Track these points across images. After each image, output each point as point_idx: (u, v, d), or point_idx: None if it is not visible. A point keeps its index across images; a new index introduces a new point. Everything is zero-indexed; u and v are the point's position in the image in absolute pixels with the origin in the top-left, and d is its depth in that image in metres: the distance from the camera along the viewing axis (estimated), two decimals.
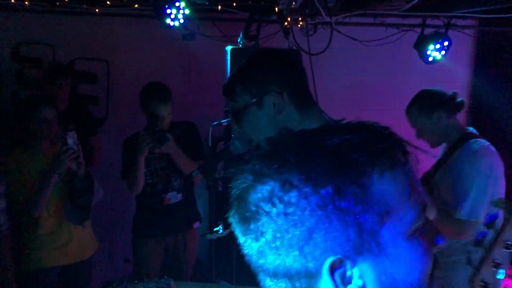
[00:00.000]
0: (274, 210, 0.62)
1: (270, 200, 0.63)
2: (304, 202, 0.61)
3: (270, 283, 0.66)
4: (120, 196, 4.18)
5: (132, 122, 4.04)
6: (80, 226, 2.88)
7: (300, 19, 3.33)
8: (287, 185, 0.62)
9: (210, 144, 2.90)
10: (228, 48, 3.15)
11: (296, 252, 0.62)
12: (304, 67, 1.46)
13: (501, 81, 3.98)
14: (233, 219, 0.70)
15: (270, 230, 0.63)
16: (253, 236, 0.66)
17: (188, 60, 4.11)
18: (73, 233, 2.87)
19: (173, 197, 3.16)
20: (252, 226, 0.65)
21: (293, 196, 0.61)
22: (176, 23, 3.32)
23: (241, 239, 0.69)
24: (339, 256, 0.61)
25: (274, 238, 0.63)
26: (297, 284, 0.63)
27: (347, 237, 0.61)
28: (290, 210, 0.61)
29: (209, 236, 2.37)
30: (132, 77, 4.03)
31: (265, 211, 0.63)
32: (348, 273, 0.61)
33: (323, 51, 3.26)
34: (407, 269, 0.63)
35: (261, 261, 0.66)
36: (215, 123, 2.86)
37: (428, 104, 2.51)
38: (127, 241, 3.42)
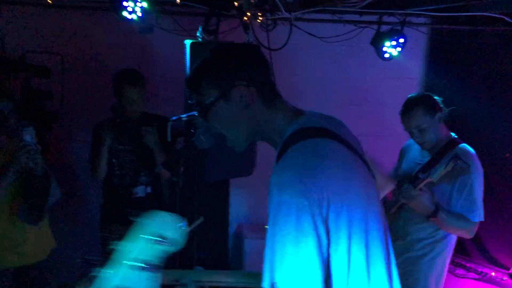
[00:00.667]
0: None
1: None
2: None
3: None
4: (80, 194, 4.09)
5: (89, 117, 3.95)
6: (35, 226, 2.78)
7: (259, 14, 3.34)
8: None
9: (169, 139, 2.86)
10: (188, 42, 3.12)
11: None
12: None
13: (453, 78, 4.12)
14: None
15: None
16: None
17: (145, 54, 4.04)
18: (27, 234, 2.76)
19: (141, 191, 3.21)
20: None
21: None
22: (133, 16, 3.26)
23: None
24: None
25: None
26: None
27: None
28: None
29: None
30: (87, 71, 3.93)
31: None
32: None
33: (282, 47, 3.28)
34: None
35: None
36: (174, 118, 2.82)
37: (432, 104, 2.58)
38: (88, 241, 3.35)
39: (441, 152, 2.58)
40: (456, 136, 2.66)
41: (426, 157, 2.67)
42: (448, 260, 2.69)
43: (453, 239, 2.65)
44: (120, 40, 3.92)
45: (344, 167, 1.26)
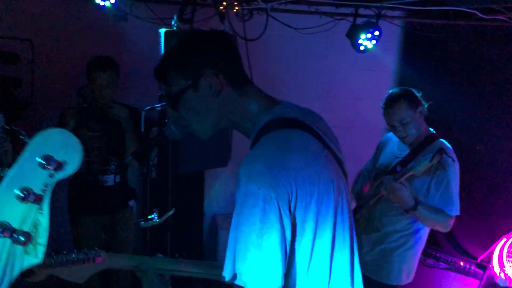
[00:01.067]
0: None
1: None
2: None
3: None
4: None
5: (60, 105, 3.86)
6: None
7: (235, 4, 3.30)
8: None
9: (143, 130, 2.82)
10: (162, 31, 3.07)
11: None
12: (238, 49, 1.45)
13: (427, 71, 4.18)
14: None
15: None
16: None
17: (119, 42, 3.96)
18: None
19: (110, 179, 3.18)
20: None
21: None
22: (107, 3, 3.19)
23: None
24: None
25: None
26: None
27: None
28: None
29: (143, 224, 2.31)
30: (59, 59, 3.83)
31: None
32: None
33: (258, 37, 3.26)
34: None
35: None
36: (148, 107, 2.78)
37: (414, 98, 2.62)
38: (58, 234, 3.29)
39: (420, 146, 2.63)
40: (434, 132, 2.71)
41: (405, 151, 2.71)
42: (420, 253, 2.75)
43: (426, 232, 2.70)
44: (94, 27, 3.84)
45: (314, 161, 1.26)
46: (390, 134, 2.82)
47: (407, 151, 2.70)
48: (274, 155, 1.21)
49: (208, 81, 1.31)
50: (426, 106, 2.66)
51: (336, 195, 1.27)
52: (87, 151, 3.12)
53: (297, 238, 1.20)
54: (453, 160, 2.47)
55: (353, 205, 2.72)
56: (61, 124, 3.07)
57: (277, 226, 1.15)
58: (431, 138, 2.65)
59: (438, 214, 2.50)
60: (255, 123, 1.33)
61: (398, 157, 2.73)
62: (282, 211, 1.15)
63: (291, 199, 1.17)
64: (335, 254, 1.27)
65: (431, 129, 2.72)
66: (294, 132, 1.29)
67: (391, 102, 2.63)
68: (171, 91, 1.35)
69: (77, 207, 3.23)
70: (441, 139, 2.65)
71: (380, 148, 2.95)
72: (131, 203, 3.35)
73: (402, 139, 2.68)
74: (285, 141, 1.25)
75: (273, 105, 1.36)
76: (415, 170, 2.44)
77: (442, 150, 2.39)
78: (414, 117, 2.60)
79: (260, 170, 1.17)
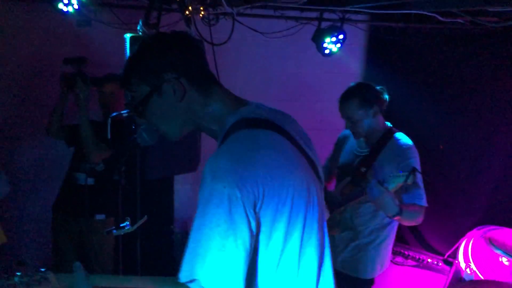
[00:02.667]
0: None
1: None
2: None
3: None
4: (10, 194, 3.91)
5: (23, 115, 3.77)
6: None
7: (201, 8, 3.30)
8: None
9: (109, 136, 2.77)
10: (127, 36, 3.03)
11: None
12: (201, 47, 1.43)
13: (390, 73, 4.27)
14: None
15: None
16: None
17: (83, 48, 3.89)
18: None
19: (81, 178, 3.17)
20: None
21: None
22: (70, 9, 3.13)
23: None
24: None
25: None
26: None
27: None
28: None
29: (115, 233, 2.27)
30: (23, 65, 3.74)
31: None
32: None
33: (225, 42, 3.26)
34: None
35: None
36: (114, 114, 2.74)
37: (369, 97, 2.61)
38: (20, 243, 3.22)
39: (379, 144, 2.65)
40: (391, 125, 2.73)
41: (365, 148, 2.73)
42: (392, 242, 2.79)
43: (396, 225, 2.74)
44: (57, 33, 3.76)
45: (283, 161, 1.22)
46: (348, 130, 2.82)
47: (366, 149, 2.71)
48: (240, 154, 1.18)
49: (171, 86, 1.30)
50: (387, 98, 2.67)
51: (307, 196, 1.25)
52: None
53: (262, 240, 1.17)
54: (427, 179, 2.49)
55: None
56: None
57: (242, 228, 1.11)
58: (389, 134, 2.65)
59: (416, 212, 2.50)
60: (222, 125, 1.31)
61: (359, 155, 2.75)
62: (248, 212, 1.11)
63: (257, 199, 1.13)
64: (303, 256, 1.25)
65: (388, 123, 2.73)
66: (263, 132, 1.26)
67: (344, 98, 2.64)
68: (136, 98, 1.34)
69: (56, 204, 3.30)
70: (399, 133, 2.67)
71: (339, 144, 2.96)
72: (99, 217, 3.25)
73: (353, 134, 2.70)
74: (252, 140, 1.22)
75: (240, 105, 1.34)
76: (389, 187, 2.39)
77: (415, 170, 2.37)
78: (365, 116, 2.60)
79: (225, 168, 1.14)
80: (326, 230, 1.39)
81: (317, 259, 1.30)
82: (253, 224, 1.13)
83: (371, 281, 2.77)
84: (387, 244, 2.76)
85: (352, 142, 2.84)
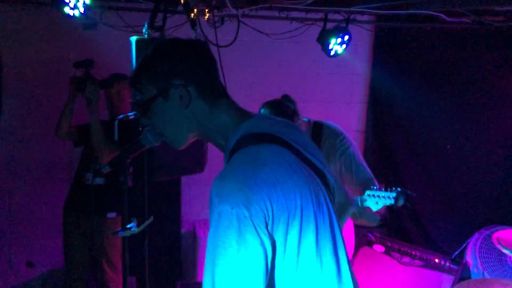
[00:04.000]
0: None
1: None
2: None
3: None
4: (19, 197, 3.95)
5: (30, 118, 3.80)
6: None
7: (206, 10, 3.31)
8: None
9: (116, 138, 2.79)
10: (133, 38, 3.04)
11: None
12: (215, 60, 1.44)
13: (397, 74, 4.27)
14: None
15: None
16: None
17: (89, 51, 3.92)
18: None
19: (91, 178, 3.24)
20: None
21: None
22: (76, 12, 3.15)
23: None
24: None
25: None
26: None
27: None
28: None
29: (121, 234, 2.28)
30: (28, 69, 3.77)
31: None
32: None
33: (230, 44, 3.27)
34: None
35: None
36: (121, 116, 2.75)
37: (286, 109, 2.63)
38: (29, 244, 3.24)
39: (313, 138, 2.64)
40: (307, 119, 2.73)
41: None
42: None
43: None
44: (64, 36, 3.79)
45: (288, 175, 1.21)
46: None
47: None
48: (245, 172, 1.17)
49: (178, 92, 1.31)
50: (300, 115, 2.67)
51: (316, 207, 1.24)
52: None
53: (278, 256, 1.17)
54: (414, 196, 2.41)
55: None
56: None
57: (255, 246, 1.10)
58: (318, 127, 2.66)
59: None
60: (227, 141, 1.31)
61: None
62: (258, 229, 1.11)
63: (267, 216, 1.13)
64: (323, 268, 1.24)
65: (305, 119, 2.74)
66: (265, 147, 1.25)
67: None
68: (143, 99, 1.35)
69: (67, 202, 3.36)
70: (325, 122, 2.67)
71: None
72: (110, 215, 3.31)
73: None
74: (256, 157, 1.22)
75: (245, 118, 1.33)
76: (373, 207, 2.34)
77: (406, 193, 2.31)
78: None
79: (231, 189, 1.14)
80: (341, 236, 1.35)
81: (335, 268, 1.28)
82: (267, 242, 1.13)
83: None
84: None
85: None
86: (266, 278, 1.13)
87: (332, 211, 1.32)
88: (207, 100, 1.33)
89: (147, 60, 1.35)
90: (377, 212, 2.38)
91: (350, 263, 1.36)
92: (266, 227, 1.13)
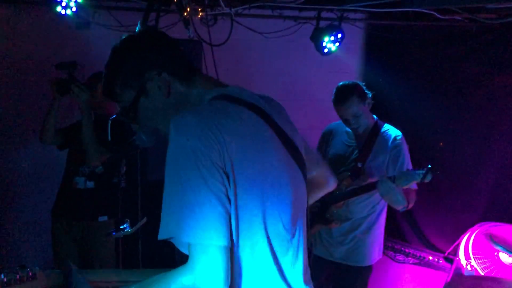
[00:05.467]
0: None
1: None
2: None
3: None
4: (9, 199, 3.92)
5: (17, 118, 3.76)
6: None
7: (199, 9, 3.30)
8: None
9: (109, 139, 2.78)
10: None
11: None
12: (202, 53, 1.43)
13: (389, 71, 4.27)
14: None
15: None
16: None
17: (82, 50, 3.89)
18: None
19: (81, 182, 3.12)
20: None
21: None
22: (68, 12, 3.14)
23: None
24: None
25: None
26: None
27: None
28: None
29: (115, 235, 2.28)
30: (19, 70, 3.75)
31: None
32: None
33: (224, 42, 3.27)
34: None
35: None
36: (113, 116, 2.74)
37: (363, 91, 2.79)
38: (19, 247, 3.22)
39: (371, 136, 2.82)
40: (376, 117, 2.90)
41: (353, 139, 2.89)
42: (383, 227, 2.96)
43: (385, 207, 2.91)
44: (56, 36, 3.76)
45: (253, 135, 1.20)
46: (334, 124, 3.01)
47: (353, 139, 2.89)
48: (209, 114, 1.16)
49: (154, 83, 1.29)
50: (370, 95, 2.82)
51: (278, 174, 1.22)
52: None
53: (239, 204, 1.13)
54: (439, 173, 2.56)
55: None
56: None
57: (212, 181, 1.08)
58: (378, 126, 2.84)
59: (413, 197, 2.71)
60: (202, 102, 1.29)
61: (350, 146, 2.90)
62: (215, 165, 1.09)
63: (224, 159, 1.11)
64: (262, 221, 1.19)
65: (374, 116, 2.90)
66: (235, 106, 1.24)
67: (343, 98, 2.76)
68: (125, 106, 1.33)
69: (55, 208, 3.25)
70: (387, 125, 2.86)
71: (326, 139, 3.07)
72: (101, 218, 3.22)
73: (355, 130, 2.84)
74: (223, 109, 1.21)
75: (221, 86, 1.33)
76: (402, 184, 2.52)
77: (432, 168, 2.47)
78: (364, 109, 2.77)
79: (190, 122, 1.12)
80: (302, 215, 1.32)
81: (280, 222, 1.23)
82: (224, 178, 1.11)
83: (371, 268, 2.92)
84: (382, 229, 2.93)
85: (341, 135, 2.98)
86: (226, 212, 1.10)
87: (295, 188, 1.28)
88: (182, 81, 1.32)
89: (111, 67, 1.33)
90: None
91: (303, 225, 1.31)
92: (224, 169, 1.11)
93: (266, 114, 1.29)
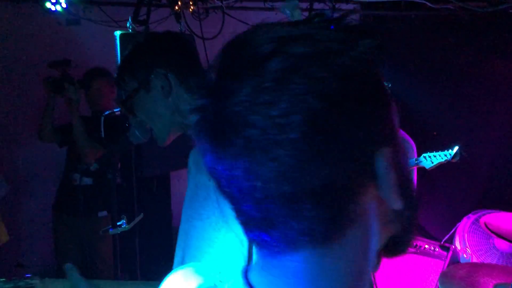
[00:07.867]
0: None
1: None
2: None
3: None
4: (7, 196, 3.91)
5: (14, 115, 3.75)
6: None
7: (191, 3, 3.28)
8: None
9: (103, 135, 2.77)
10: (117, 33, 3.01)
11: None
12: (197, 48, 1.44)
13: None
14: None
15: None
16: None
17: (73, 46, 3.87)
18: None
19: (77, 178, 3.16)
20: None
21: None
22: (58, 7, 3.11)
23: None
24: None
25: None
26: None
27: None
28: None
29: (112, 231, 2.27)
30: (11, 67, 3.72)
31: None
32: None
33: (215, 36, 3.25)
34: None
35: None
36: (107, 112, 2.73)
37: None
38: (17, 245, 3.21)
39: None
40: None
41: None
42: None
43: None
44: (46, 33, 3.73)
45: None
46: None
47: None
48: None
49: (158, 81, 1.30)
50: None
51: None
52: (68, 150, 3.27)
53: None
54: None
55: None
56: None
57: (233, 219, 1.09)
58: None
59: None
60: None
61: None
62: None
63: None
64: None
65: None
66: None
67: None
68: (125, 94, 1.36)
69: (56, 204, 3.30)
70: None
71: None
72: (101, 214, 3.28)
73: None
74: None
75: None
76: (427, 165, 2.43)
77: (460, 149, 2.41)
78: None
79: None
80: None
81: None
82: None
83: None
84: None
85: None
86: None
87: None
88: (189, 88, 1.32)
89: (127, 57, 1.37)
90: None
91: None
92: None
93: None
